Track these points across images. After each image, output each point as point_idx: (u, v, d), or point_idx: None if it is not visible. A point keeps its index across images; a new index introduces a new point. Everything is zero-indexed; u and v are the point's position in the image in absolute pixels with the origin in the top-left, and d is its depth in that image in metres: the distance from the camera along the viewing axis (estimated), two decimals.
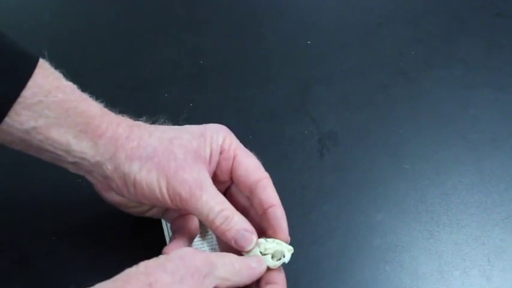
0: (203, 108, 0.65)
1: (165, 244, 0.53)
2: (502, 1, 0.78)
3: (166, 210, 0.53)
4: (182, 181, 0.47)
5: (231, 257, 0.46)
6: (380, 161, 0.62)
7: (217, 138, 0.50)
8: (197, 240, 0.53)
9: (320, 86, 0.68)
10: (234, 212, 0.48)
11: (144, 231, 0.55)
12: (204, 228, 0.54)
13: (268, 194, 0.50)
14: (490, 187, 0.60)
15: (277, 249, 0.48)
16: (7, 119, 0.44)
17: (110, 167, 0.47)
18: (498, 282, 0.53)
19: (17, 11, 0.76)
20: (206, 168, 0.49)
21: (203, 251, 0.51)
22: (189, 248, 0.46)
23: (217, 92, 0.67)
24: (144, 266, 0.42)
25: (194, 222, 0.52)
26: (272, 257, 0.48)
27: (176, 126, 0.51)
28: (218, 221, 0.47)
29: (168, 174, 0.47)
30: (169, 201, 0.48)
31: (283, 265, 0.49)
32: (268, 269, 0.48)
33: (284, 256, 0.48)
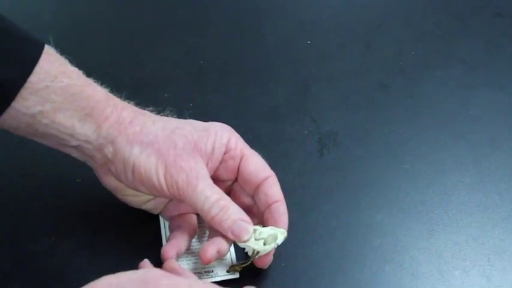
0: (203, 108, 0.65)
1: (162, 244, 0.53)
2: (502, 1, 0.78)
3: (164, 207, 0.53)
4: (180, 169, 0.47)
5: (199, 284, 0.42)
6: (380, 161, 0.62)
7: (221, 137, 0.50)
8: (194, 241, 0.53)
9: (320, 86, 0.68)
10: (229, 202, 0.48)
11: (144, 231, 0.55)
12: (202, 230, 0.54)
13: (275, 190, 0.51)
14: (490, 187, 0.60)
15: (270, 233, 0.49)
16: (14, 104, 0.45)
17: (111, 150, 0.48)
18: (498, 282, 0.53)
19: (17, 11, 0.76)
20: (204, 161, 0.49)
21: (171, 275, 0.42)
22: (155, 271, 0.41)
23: (217, 92, 0.67)
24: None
25: (193, 222, 0.52)
26: (264, 243, 0.48)
27: (180, 119, 0.52)
28: (214, 211, 0.47)
29: (167, 161, 0.47)
30: (165, 189, 0.48)
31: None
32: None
33: (277, 239, 0.49)
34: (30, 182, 0.58)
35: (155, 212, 0.54)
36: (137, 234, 0.55)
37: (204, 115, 0.63)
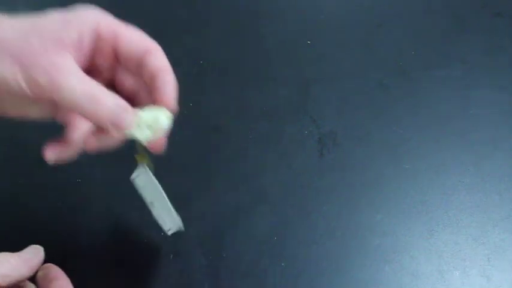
0: (203, 108, 0.65)
1: (162, 242, 0.53)
2: (502, 1, 0.78)
3: (54, 111, 0.48)
4: (39, 67, 0.42)
5: (6, 255, 0.45)
6: (380, 161, 0.62)
7: (87, 21, 0.45)
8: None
9: (320, 86, 0.68)
10: (102, 91, 0.42)
11: (144, 230, 0.55)
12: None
13: (160, 60, 0.45)
14: (490, 187, 0.60)
15: (155, 117, 0.43)
16: None
17: None
18: (498, 282, 0.53)
19: (16, 11, 0.76)
20: (71, 53, 0.44)
21: None
22: None
23: (217, 92, 0.67)
24: None
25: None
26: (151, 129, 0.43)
27: (36, 15, 0.46)
28: (86, 104, 0.41)
29: (23, 62, 0.42)
30: (28, 91, 0.42)
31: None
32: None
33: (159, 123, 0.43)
34: (30, 182, 0.58)
35: (46, 117, 0.48)
36: (138, 233, 0.55)
37: (204, 115, 0.64)
